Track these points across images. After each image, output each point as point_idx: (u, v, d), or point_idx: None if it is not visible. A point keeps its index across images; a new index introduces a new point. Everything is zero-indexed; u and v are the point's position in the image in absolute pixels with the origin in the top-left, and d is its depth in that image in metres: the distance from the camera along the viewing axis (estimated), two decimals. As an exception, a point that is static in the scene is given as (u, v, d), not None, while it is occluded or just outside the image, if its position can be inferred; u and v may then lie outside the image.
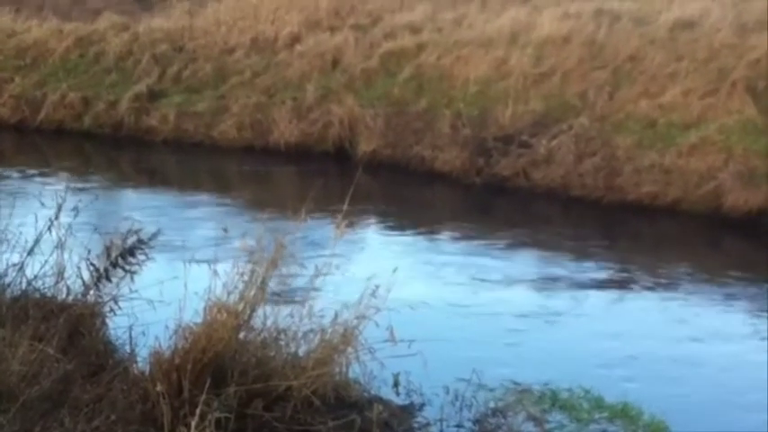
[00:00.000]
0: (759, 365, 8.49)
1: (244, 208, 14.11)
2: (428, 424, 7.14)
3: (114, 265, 7.22)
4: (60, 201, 7.36)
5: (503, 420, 7.24)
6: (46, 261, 7.26)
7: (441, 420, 7.16)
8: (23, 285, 7.19)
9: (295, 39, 19.70)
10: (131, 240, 7.33)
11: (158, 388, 6.03)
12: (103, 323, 7.22)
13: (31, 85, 20.66)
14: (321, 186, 10.93)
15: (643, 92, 15.37)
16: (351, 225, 7.16)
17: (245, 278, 6.60)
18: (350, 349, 6.69)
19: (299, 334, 6.70)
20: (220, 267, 6.71)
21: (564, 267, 11.41)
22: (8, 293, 7.08)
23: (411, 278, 9.99)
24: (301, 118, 17.70)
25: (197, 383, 6.07)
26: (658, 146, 14.38)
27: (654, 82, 15.44)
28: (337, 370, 6.68)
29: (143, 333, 6.87)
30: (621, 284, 10.94)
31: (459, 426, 7.16)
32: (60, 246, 7.26)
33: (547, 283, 10.81)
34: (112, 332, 7.21)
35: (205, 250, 9.92)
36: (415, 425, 7.10)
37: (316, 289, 6.85)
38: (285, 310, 6.73)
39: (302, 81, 18.46)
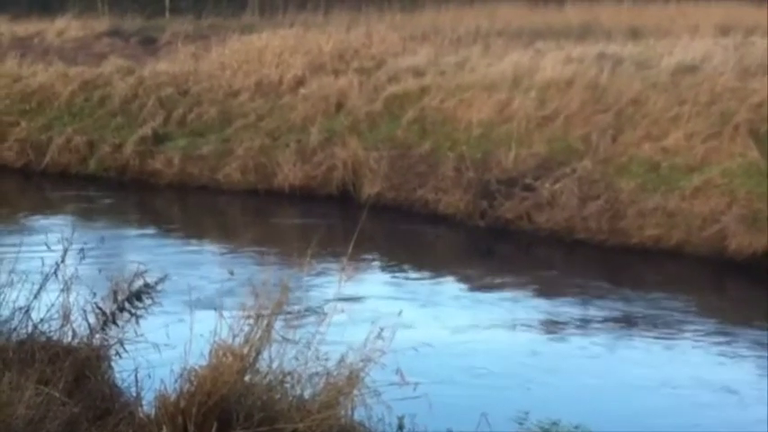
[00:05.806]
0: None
1: (249, 251, 14.13)
2: (433, 467, 7.12)
3: (120, 308, 7.22)
4: (66, 244, 7.38)
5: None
6: (52, 304, 7.26)
7: (446, 463, 7.15)
8: (29, 329, 7.18)
9: (299, 82, 19.84)
10: (137, 284, 7.34)
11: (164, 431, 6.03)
12: (109, 366, 7.20)
13: (37, 128, 20.76)
14: (325, 229, 10.99)
15: (646, 135, 15.42)
16: (355, 268, 7.16)
17: (251, 321, 6.60)
18: (355, 392, 6.67)
19: (305, 376, 6.69)
20: (226, 310, 6.72)
21: (568, 310, 11.41)
22: (14, 337, 7.08)
23: (416, 320, 9.99)
24: (305, 161, 17.75)
25: (202, 427, 6.07)
26: (662, 189, 14.40)
27: (656, 125, 15.50)
28: (343, 413, 6.65)
29: (149, 376, 6.86)
30: (625, 327, 10.93)
31: (464, 468, 7.14)
32: (66, 289, 7.26)
33: (551, 326, 10.81)
34: (118, 375, 7.20)
35: (210, 293, 9.99)
36: (421, 468, 7.08)
37: (321, 331, 6.85)
38: (290, 352, 6.73)
39: (306, 124, 18.55)
